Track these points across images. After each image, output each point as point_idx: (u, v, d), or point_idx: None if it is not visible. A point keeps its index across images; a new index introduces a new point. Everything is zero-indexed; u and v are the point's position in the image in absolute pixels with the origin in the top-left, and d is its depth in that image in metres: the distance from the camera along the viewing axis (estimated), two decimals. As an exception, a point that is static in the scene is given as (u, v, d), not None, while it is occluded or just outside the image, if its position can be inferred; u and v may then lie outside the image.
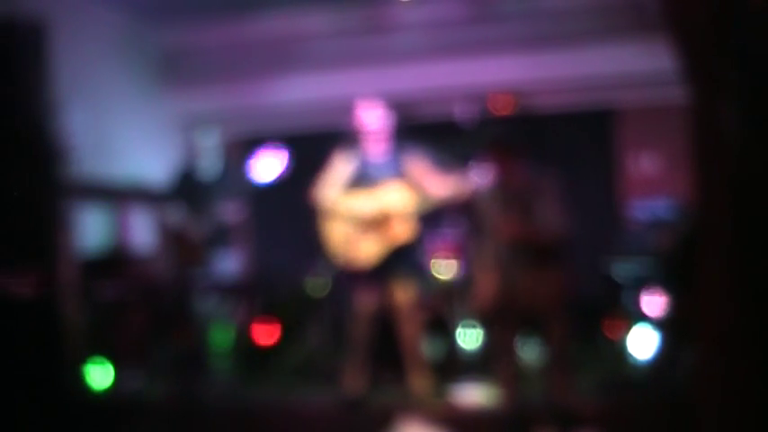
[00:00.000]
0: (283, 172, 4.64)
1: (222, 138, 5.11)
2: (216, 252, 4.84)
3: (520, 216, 3.77)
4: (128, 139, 5.84)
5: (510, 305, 3.79)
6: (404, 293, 4.25)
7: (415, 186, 4.21)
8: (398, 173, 4.24)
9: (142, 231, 5.77)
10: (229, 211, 4.81)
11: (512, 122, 4.10)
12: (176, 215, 4.83)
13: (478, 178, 4.06)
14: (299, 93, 6.04)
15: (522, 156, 3.88)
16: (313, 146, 4.59)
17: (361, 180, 4.27)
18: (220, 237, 4.84)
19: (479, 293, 3.95)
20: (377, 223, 4.22)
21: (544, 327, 3.83)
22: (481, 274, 3.97)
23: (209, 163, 4.94)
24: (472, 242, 4.73)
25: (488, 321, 3.96)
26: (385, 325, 4.36)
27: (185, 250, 4.82)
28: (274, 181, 4.67)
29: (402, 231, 4.22)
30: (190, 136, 5.03)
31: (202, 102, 6.30)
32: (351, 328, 4.36)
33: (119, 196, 5.66)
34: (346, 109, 4.45)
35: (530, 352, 4.45)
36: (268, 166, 4.64)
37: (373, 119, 4.26)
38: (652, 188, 5.59)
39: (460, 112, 5.41)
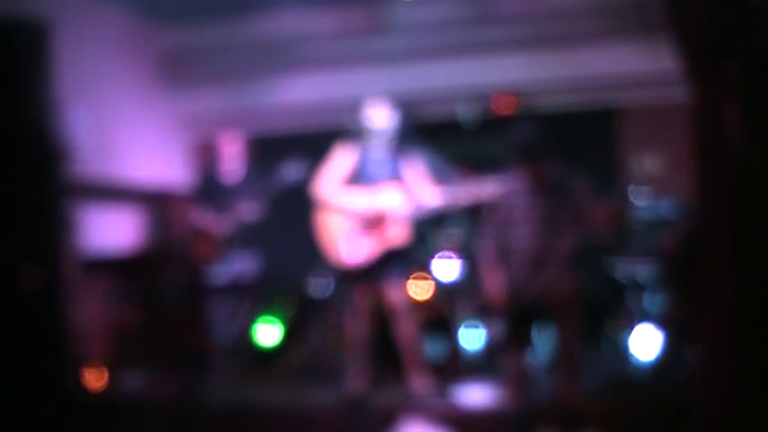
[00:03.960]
0: (303, 175, 4.76)
1: (242, 139, 5.26)
2: (233, 251, 4.93)
3: (558, 215, 3.81)
4: (130, 139, 5.85)
5: (523, 303, 3.81)
6: (397, 294, 4.26)
7: (409, 192, 4.22)
8: (396, 175, 4.25)
9: (144, 231, 5.77)
10: (247, 211, 4.90)
11: (531, 124, 4.14)
12: (196, 213, 4.93)
13: (477, 190, 4.11)
14: (301, 93, 6.04)
15: (550, 157, 3.92)
16: (314, 145, 4.60)
17: (360, 178, 4.27)
18: (240, 236, 4.92)
19: (489, 292, 3.97)
20: (372, 223, 4.22)
21: (556, 325, 3.85)
22: (488, 273, 3.99)
23: (230, 164, 5.05)
24: (476, 242, 4.74)
25: (498, 319, 3.97)
26: (386, 325, 4.36)
27: (204, 247, 4.90)
28: (294, 184, 4.78)
29: (396, 234, 4.22)
30: (212, 137, 5.18)
31: (204, 101, 6.31)
32: (349, 326, 4.36)
33: (121, 196, 5.66)
34: (347, 109, 4.45)
35: (537, 351, 4.46)
36: (291, 169, 4.76)
37: (380, 118, 4.26)
38: (654, 188, 5.57)
39: (463, 111, 5.41)
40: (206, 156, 5.82)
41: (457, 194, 4.18)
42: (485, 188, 4.11)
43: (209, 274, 4.94)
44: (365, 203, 4.23)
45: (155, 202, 5.57)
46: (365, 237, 4.23)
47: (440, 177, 4.27)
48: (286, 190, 4.96)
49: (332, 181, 4.30)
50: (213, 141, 5.30)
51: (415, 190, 4.22)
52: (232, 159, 5.17)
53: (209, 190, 5.10)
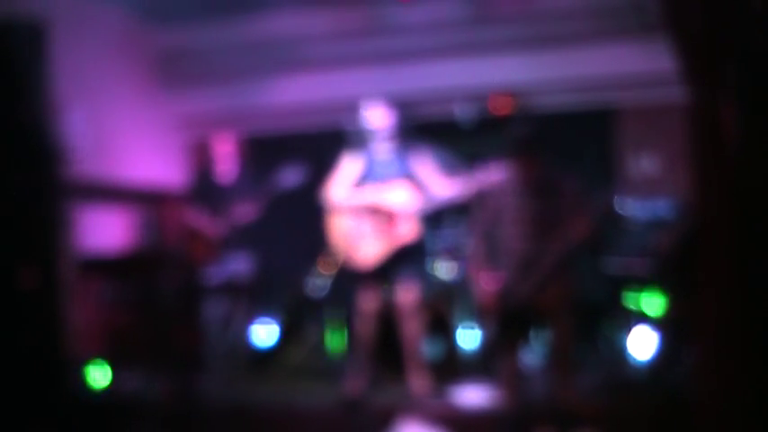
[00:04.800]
0: (300, 180, 4.78)
1: (238, 139, 5.29)
2: (229, 251, 4.93)
3: (548, 217, 3.80)
4: (126, 139, 5.84)
5: (515, 305, 3.81)
6: (406, 294, 4.25)
7: (421, 186, 4.22)
8: (404, 172, 4.25)
9: (140, 231, 5.76)
10: (243, 212, 4.91)
11: (528, 122, 4.13)
12: (192, 213, 4.94)
13: (484, 178, 4.07)
14: (298, 93, 6.04)
15: (544, 156, 3.91)
16: (312, 146, 4.60)
17: (369, 180, 4.27)
18: (236, 236, 4.93)
19: (480, 293, 3.96)
20: (381, 223, 4.22)
21: (550, 325, 3.84)
22: (478, 273, 3.98)
23: (227, 164, 5.05)
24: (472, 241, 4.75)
25: (492, 320, 3.97)
26: (386, 325, 4.36)
27: (200, 248, 4.92)
28: (296, 186, 4.80)
29: (406, 231, 4.22)
30: (208, 137, 5.19)
31: (201, 101, 6.31)
32: (354, 326, 4.36)
33: (117, 196, 5.66)
34: (346, 109, 4.46)
35: (532, 351, 4.46)
36: (288, 175, 4.79)
37: (377, 118, 4.27)
38: (652, 188, 5.58)
39: (461, 111, 5.41)
40: (202, 156, 5.81)
41: (469, 184, 4.14)
42: (490, 176, 4.08)
43: (205, 275, 4.94)
44: (375, 204, 4.23)
45: (151, 202, 5.57)
46: (376, 237, 4.22)
47: (450, 169, 4.25)
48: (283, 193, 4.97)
49: (342, 186, 4.30)
50: (209, 141, 5.31)
51: (428, 183, 4.22)
52: (228, 160, 5.17)
53: (206, 190, 5.11)
